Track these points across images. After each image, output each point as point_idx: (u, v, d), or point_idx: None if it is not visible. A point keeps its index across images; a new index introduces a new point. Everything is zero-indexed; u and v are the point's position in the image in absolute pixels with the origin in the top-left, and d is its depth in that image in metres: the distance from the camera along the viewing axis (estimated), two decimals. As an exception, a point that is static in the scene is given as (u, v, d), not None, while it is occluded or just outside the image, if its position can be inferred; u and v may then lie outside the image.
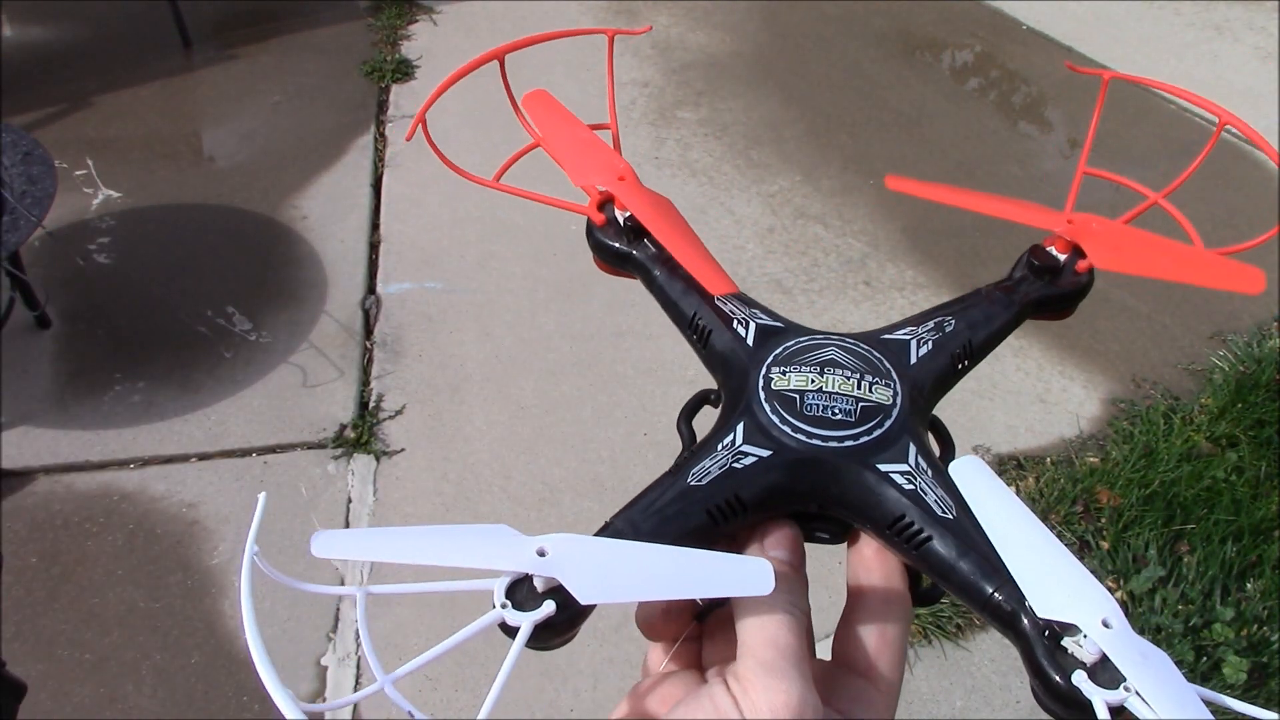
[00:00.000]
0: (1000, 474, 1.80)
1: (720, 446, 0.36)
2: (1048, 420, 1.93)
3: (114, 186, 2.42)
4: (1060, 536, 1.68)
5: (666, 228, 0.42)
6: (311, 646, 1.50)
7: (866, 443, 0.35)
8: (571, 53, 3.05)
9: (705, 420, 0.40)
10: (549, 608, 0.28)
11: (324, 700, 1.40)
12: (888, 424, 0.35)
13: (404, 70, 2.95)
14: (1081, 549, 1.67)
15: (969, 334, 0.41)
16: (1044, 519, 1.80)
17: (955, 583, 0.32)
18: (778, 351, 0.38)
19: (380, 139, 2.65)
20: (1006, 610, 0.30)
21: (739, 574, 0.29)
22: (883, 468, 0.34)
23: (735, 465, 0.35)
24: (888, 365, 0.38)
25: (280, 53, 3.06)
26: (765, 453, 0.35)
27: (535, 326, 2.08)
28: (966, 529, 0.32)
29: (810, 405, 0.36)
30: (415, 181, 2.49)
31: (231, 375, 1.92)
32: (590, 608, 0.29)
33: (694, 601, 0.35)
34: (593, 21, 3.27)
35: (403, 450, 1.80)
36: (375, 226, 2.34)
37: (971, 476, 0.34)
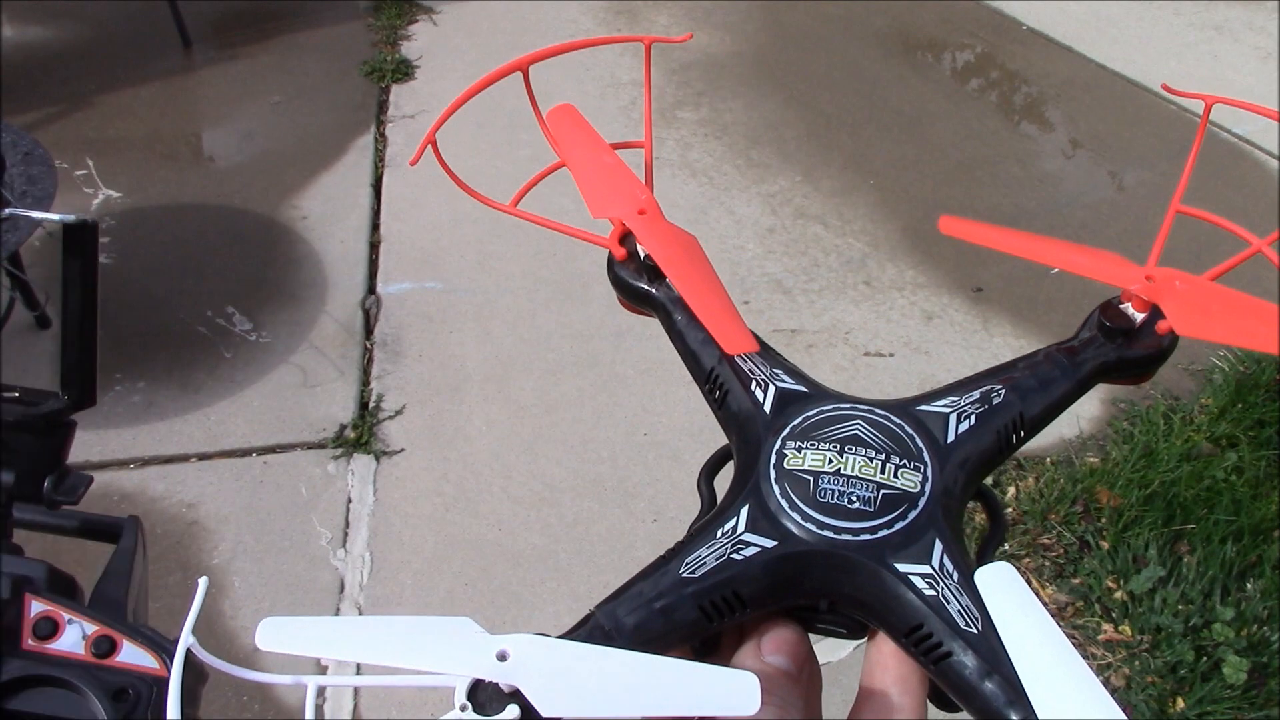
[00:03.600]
0: (1000, 474, 1.80)
1: (720, 533, 0.32)
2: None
3: (114, 186, 2.42)
4: (1060, 537, 1.68)
5: (685, 271, 0.38)
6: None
7: (885, 537, 0.31)
8: (570, 54, 3.05)
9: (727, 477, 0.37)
10: (511, 713, 0.26)
11: (324, 700, 1.40)
12: (911, 516, 0.32)
13: (404, 70, 2.95)
14: (1081, 549, 1.67)
15: (1021, 405, 0.36)
16: (1044, 519, 1.81)
17: (976, 706, 0.29)
18: (796, 422, 0.34)
19: (380, 139, 2.65)
20: None
21: (722, 690, 0.26)
22: (901, 568, 0.31)
23: (734, 556, 0.31)
24: (920, 444, 0.34)
25: (280, 53, 3.06)
26: (769, 543, 0.31)
27: (535, 326, 2.08)
28: (993, 646, 0.29)
29: (825, 490, 0.32)
30: (415, 181, 2.49)
31: (231, 375, 1.92)
32: None
33: None
34: (592, 21, 3.27)
35: (403, 450, 1.80)
36: (375, 226, 2.34)
37: (998, 586, 0.30)
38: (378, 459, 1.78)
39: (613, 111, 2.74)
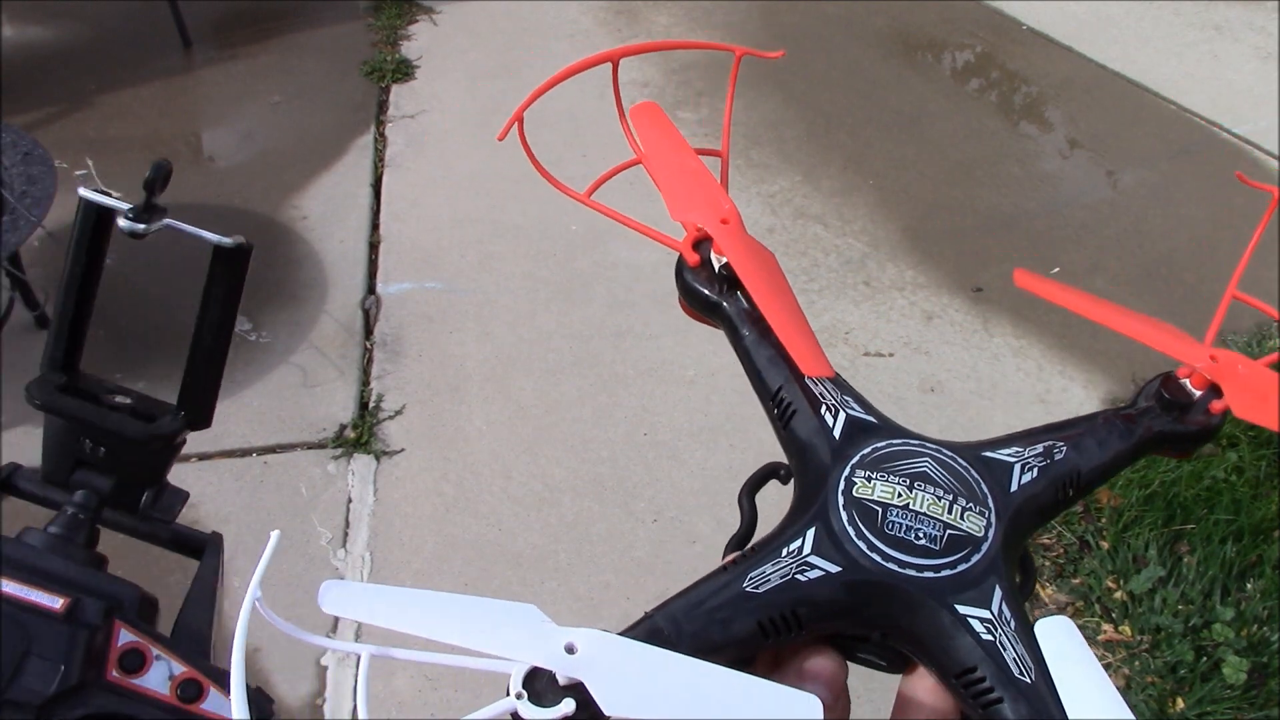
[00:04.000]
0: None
1: (785, 552, 0.32)
2: (1048, 420, 1.93)
3: (114, 186, 2.41)
4: (1060, 537, 1.68)
5: (765, 288, 0.38)
6: (311, 647, 1.49)
7: (949, 577, 0.31)
8: (570, 54, 3.05)
9: (771, 499, 0.37)
10: (568, 706, 0.25)
11: (323, 700, 1.40)
12: (975, 559, 0.32)
13: (404, 70, 2.95)
14: (1081, 549, 1.67)
15: (1079, 463, 0.37)
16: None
17: None
18: (865, 452, 0.35)
19: (380, 139, 2.65)
20: None
21: (784, 707, 0.26)
22: (961, 610, 0.31)
23: (799, 577, 0.31)
24: (985, 490, 0.34)
25: (280, 53, 3.06)
26: (834, 568, 0.31)
27: (535, 326, 2.08)
28: (1044, 698, 0.29)
29: (893, 523, 0.32)
30: (415, 181, 2.49)
31: (231, 375, 1.92)
32: None
33: None
34: (592, 21, 3.27)
35: (403, 450, 1.80)
36: (375, 226, 2.34)
37: (1059, 639, 0.31)
38: (378, 459, 1.78)
39: (613, 111, 2.73)
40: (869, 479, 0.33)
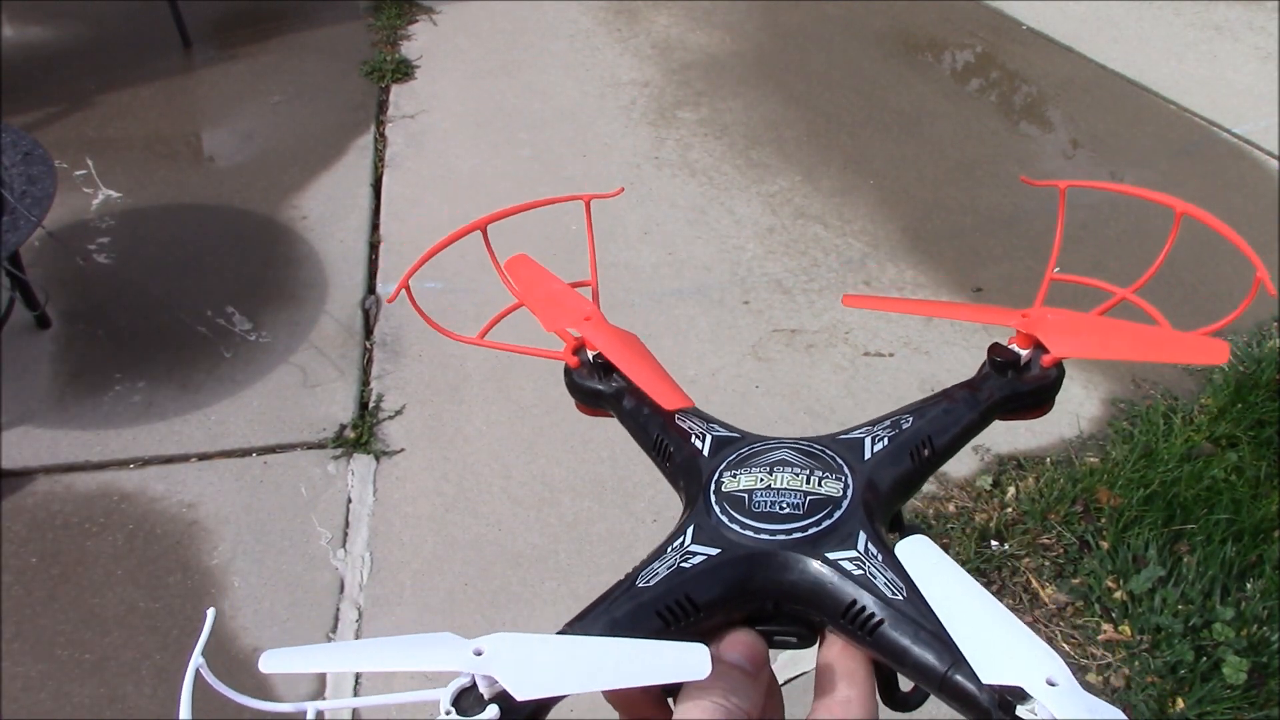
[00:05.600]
0: (1000, 474, 1.80)
1: (670, 549, 0.36)
2: (1048, 420, 1.93)
3: (114, 186, 2.42)
4: (1060, 536, 1.68)
5: (627, 354, 0.45)
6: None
7: (815, 533, 0.35)
8: (570, 54, 3.05)
9: None
10: (492, 712, 0.28)
11: (324, 699, 1.40)
12: (837, 514, 0.35)
13: (404, 70, 2.95)
14: (1081, 549, 1.67)
15: (929, 431, 0.41)
16: (1044, 519, 1.80)
17: (910, 665, 0.32)
18: (731, 457, 0.39)
19: (380, 139, 2.65)
20: (963, 688, 0.30)
21: (675, 660, 0.29)
22: (831, 556, 0.34)
23: (683, 565, 0.35)
24: (840, 461, 0.38)
25: (280, 53, 3.06)
26: (713, 551, 0.35)
27: (535, 327, 2.07)
28: (918, 609, 0.32)
29: (759, 502, 0.36)
30: (415, 181, 2.49)
31: (231, 375, 1.92)
32: (545, 710, 0.30)
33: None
34: (592, 21, 3.27)
35: (403, 450, 1.80)
36: (375, 226, 2.34)
37: (917, 554, 0.34)
38: (378, 459, 1.78)
39: (613, 111, 2.74)
40: (735, 475, 0.38)
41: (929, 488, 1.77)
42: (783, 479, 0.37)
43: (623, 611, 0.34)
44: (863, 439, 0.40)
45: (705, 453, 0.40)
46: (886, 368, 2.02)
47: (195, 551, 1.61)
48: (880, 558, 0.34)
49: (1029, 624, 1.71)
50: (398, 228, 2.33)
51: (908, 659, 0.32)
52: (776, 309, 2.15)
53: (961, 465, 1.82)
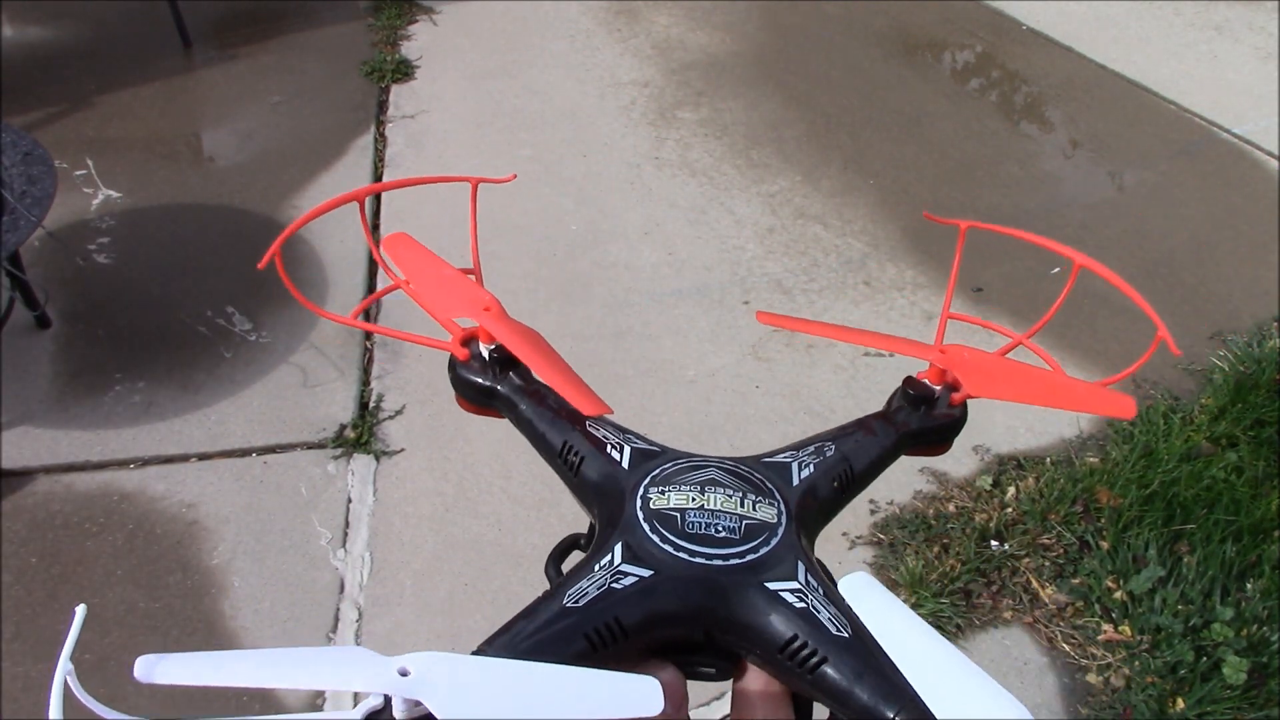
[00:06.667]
0: (1000, 474, 1.80)
1: (598, 567, 0.33)
2: (1048, 420, 1.93)
3: (114, 186, 2.42)
4: (1060, 537, 1.68)
5: (537, 354, 0.42)
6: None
7: (753, 560, 0.33)
8: (570, 54, 3.05)
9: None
10: None
11: (324, 700, 1.40)
12: (774, 541, 0.34)
13: (404, 70, 2.95)
14: (1081, 549, 1.67)
15: (848, 457, 0.41)
16: (1044, 519, 1.80)
17: (854, 707, 0.30)
18: (655, 473, 0.37)
19: (380, 139, 2.65)
20: None
21: (624, 693, 0.27)
22: (772, 586, 0.32)
23: (614, 585, 0.33)
24: (770, 485, 0.37)
25: (280, 53, 3.06)
26: (646, 572, 0.33)
27: (535, 326, 2.07)
28: (864, 647, 0.30)
29: (692, 523, 0.34)
30: (415, 181, 2.49)
31: (231, 375, 1.92)
32: None
33: None
34: (592, 21, 3.27)
35: (403, 450, 1.80)
36: (375, 226, 2.34)
37: (863, 592, 0.32)
38: (378, 459, 1.78)
39: (613, 111, 2.74)
40: (663, 491, 0.36)
41: (929, 488, 1.77)
42: (716, 499, 0.35)
43: (550, 633, 0.31)
44: (789, 463, 0.39)
45: (624, 464, 0.38)
46: (886, 368, 2.02)
47: (195, 551, 1.61)
48: (821, 590, 0.32)
49: (1029, 624, 1.70)
50: (398, 228, 2.33)
51: (851, 701, 0.30)
52: (776, 309, 2.15)
53: (961, 465, 1.82)
